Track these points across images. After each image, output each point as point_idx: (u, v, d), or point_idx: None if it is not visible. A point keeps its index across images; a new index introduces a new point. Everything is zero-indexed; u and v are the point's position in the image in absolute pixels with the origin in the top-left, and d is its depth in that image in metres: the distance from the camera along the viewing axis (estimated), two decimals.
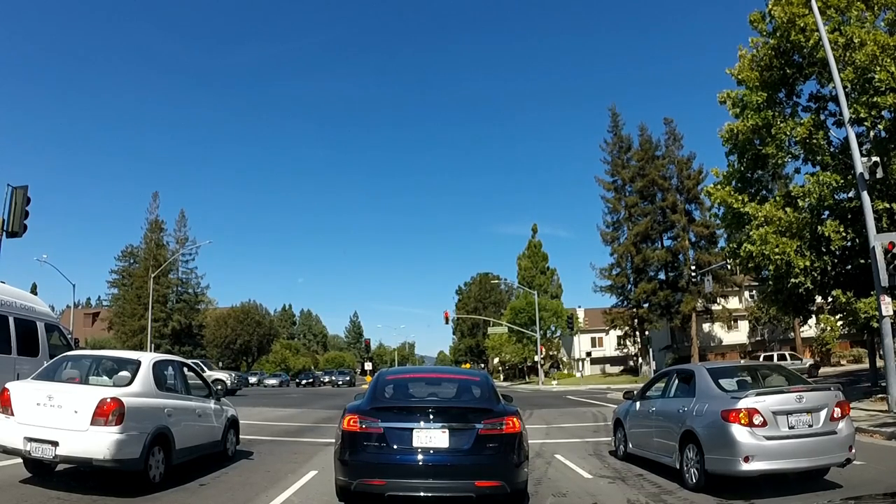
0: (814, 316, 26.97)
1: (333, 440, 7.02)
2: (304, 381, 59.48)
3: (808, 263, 18.42)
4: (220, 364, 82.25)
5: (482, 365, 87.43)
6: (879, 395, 17.18)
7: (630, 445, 9.72)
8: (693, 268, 45.21)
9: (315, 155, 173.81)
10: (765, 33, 20.43)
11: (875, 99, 16.72)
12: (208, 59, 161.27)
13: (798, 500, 6.83)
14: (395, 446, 5.96)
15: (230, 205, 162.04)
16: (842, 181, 17.88)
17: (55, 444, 6.51)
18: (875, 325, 16.43)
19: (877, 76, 16.64)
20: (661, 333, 57.79)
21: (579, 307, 71.20)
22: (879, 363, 19.99)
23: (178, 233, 72.62)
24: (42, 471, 7.47)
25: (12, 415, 6.79)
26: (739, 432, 6.86)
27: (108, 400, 6.67)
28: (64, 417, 6.60)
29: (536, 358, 57.00)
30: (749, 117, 19.58)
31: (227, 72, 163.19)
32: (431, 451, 5.95)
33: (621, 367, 66.87)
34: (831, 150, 19.30)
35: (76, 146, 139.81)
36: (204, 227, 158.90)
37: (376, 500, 6.10)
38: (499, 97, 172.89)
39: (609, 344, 68.30)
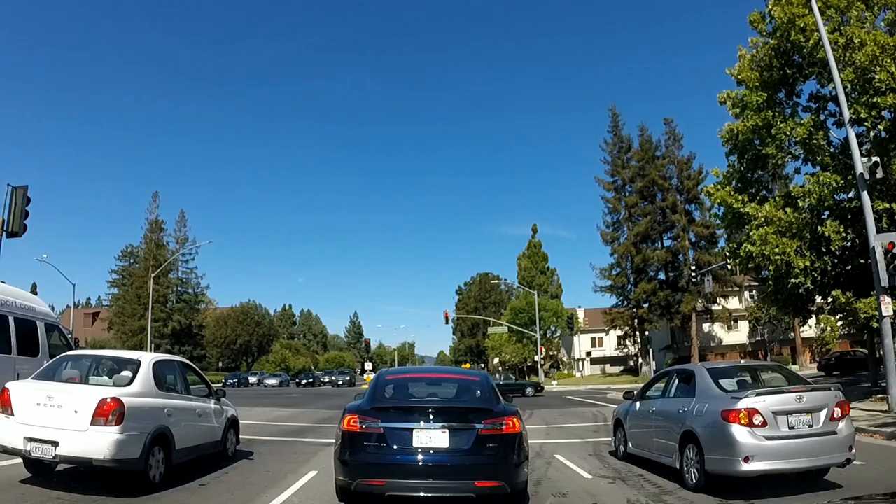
0: (814, 316, 26.92)
1: (333, 440, 7.01)
2: (304, 381, 59.47)
3: (808, 264, 18.42)
4: (221, 364, 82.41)
5: (482, 365, 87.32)
6: (879, 395, 17.19)
7: (630, 445, 9.72)
8: (693, 268, 45.27)
9: (315, 155, 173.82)
10: (765, 33, 20.42)
11: (875, 99, 16.72)
12: (208, 59, 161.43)
13: (798, 500, 6.82)
14: (395, 446, 5.96)
15: (230, 205, 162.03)
16: (842, 181, 17.87)
17: (55, 444, 6.50)
18: (875, 325, 16.43)
19: (877, 76, 16.64)
20: (661, 333, 57.77)
21: (579, 307, 71.23)
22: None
23: (178, 233, 72.81)
24: (42, 471, 7.46)
25: (12, 415, 6.79)
26: (739, 432, 6.86)
27: (108, 400, 6.67)
28: (64, 417, 6.59)
29: (536, 358, 56.97)
30: (749, 117, 19.57)
31: (227, 72, 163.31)
32: (431, 452, 5.94)
33: (621, 368, 66.88)
34: (831, 150, 19.29)
35: (76, 146, 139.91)
36: (204, 227, 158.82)
37: (376, 501, 6.10)
38: (499, 97, 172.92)
39: (609, 344, 68.27)
